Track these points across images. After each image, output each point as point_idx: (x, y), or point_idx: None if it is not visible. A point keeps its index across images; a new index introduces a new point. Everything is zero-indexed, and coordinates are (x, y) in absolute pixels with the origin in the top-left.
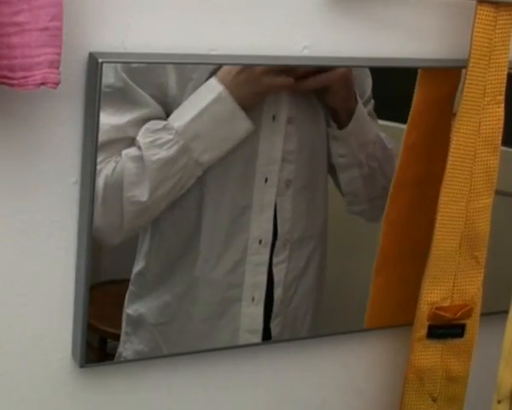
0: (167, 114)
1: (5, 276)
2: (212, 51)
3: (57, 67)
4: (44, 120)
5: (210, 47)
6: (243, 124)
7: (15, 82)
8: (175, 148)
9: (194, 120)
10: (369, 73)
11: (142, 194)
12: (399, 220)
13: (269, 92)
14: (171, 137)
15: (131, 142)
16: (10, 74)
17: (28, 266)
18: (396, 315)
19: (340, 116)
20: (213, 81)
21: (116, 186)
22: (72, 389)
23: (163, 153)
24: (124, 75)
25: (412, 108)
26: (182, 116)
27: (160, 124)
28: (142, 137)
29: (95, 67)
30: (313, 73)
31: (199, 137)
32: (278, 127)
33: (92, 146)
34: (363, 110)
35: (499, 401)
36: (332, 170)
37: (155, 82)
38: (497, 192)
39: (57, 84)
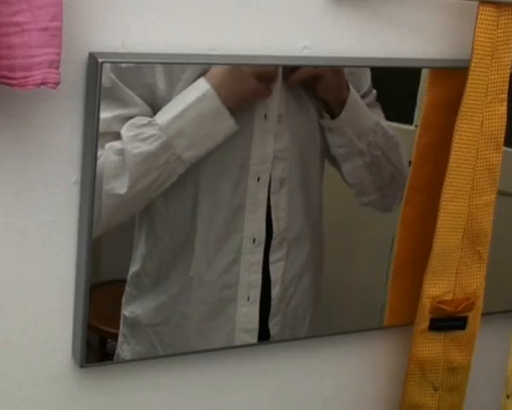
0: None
1: (5, 276)
2: (212, 51)
3: (57, 67)
4: (44, 120)
5: (210, 47)
6: (227, 123)
7: (15, 82)
8: (157, 143)
9: (178, 116)
10: (361, 73)
11: (121, 187)
12: (414, 223)
13: (256, 97)
14: (154, 132)
15: (116, 136)
16: (10, 74)
17: (28, 266)
18: (414, 315)
19: (332, 106)
20: (201, 80)
21: (97, 179)
22: (72, 389)
23: (145, 147)
24: (112, 75)
25: (423, 111)
26: (166, 113)
27: (145, 120)
28: (125, 131)
29: (95, 67)
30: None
31: (182, 134)
32: (270, 126)
33: (92, 146)
34: (357, 99)
35: (508, 396)
36: (335, 162)
37: (144, 83)
38: (498, 192)
39: (57, 84)
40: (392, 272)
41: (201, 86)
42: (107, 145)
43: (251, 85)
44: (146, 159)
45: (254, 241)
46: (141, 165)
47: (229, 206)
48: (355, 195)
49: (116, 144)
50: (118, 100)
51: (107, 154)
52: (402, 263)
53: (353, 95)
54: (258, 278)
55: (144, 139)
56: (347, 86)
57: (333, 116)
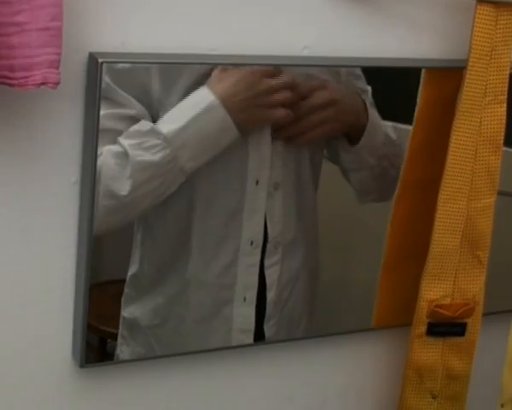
0: (152, 116)
1: (5, 276)
2: (212, 51)
3: (57, 67)
4: (44, 120)
5: (210, 47)
6: (232, 133)
7: (15, 82)
8: (161, 154)
9: (183, 128)
10: (359, 73)
11: (121, 189)
12: (405, 222)
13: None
14: (158, 142)
15: (112, 133)
16: (10, 74)
17: (28, 266)
18: (404, 315)
19: (352, 135)
20: (204, 90)
21: (96, 178)
22: (72, 389)
23: (148, 156)
24: (106, 78)
25: (417, 110)
26: (171, 122)
27: (148, 125)
28: (127, 138)
29: (95, 67)
30: (309, 126)
31: (186, 146)
32: (267, 130)
33: (92, 146)
34: (373, 119)
35: (502, 405)
36: (343, 169)
37: (138, 83)
38: (498, 192)
39: (57, 84)
40: (381, 270)
41: (206, 97)
42: (106, 148)
43: (261, 111)
44: (148, 167)
45: (252, 243)
46: (143, 172)
47: (226, 209)
48: (356, 196)
49: (115, 148)
50: (112, 101)
51: (105, 156)
52: (392, 261)
53: (371, 117)
54: (255, 279)
55: (148, 148)
56: (365, 110)
57: (351, 142)
